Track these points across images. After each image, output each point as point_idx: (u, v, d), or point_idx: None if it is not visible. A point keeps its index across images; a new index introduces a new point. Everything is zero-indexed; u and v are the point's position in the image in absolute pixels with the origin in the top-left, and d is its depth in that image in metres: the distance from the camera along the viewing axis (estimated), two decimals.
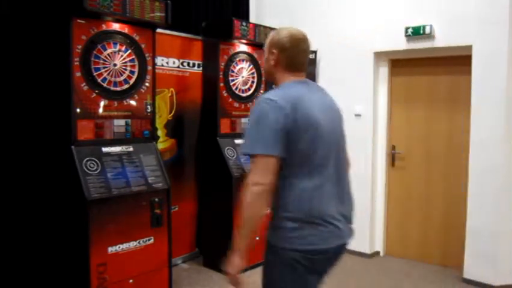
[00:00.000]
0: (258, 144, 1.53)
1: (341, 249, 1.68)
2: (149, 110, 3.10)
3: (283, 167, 1.57)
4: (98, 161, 2.77)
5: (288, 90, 1.64)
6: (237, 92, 3.90)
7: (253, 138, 1.56)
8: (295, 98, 1.59)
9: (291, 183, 1.59)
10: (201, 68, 3.98)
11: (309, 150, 1.57)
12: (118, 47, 2.90)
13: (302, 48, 1.72)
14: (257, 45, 4.02)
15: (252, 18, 4.76)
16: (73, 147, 2.70)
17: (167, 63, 3.76)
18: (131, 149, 2.95)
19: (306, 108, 1.58)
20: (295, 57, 1.71)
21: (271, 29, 4.04)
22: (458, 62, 3.75)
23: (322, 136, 1.60)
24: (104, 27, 2.84)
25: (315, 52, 4.46)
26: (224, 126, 3.81)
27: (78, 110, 2.74)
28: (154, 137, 3.18)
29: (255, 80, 4.05)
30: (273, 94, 1.61)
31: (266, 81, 4.09)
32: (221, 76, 3.76)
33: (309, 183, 1.58)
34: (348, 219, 1.71)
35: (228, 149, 3.76)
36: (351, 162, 1.84)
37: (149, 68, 3.08)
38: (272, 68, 1.75)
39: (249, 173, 1.56)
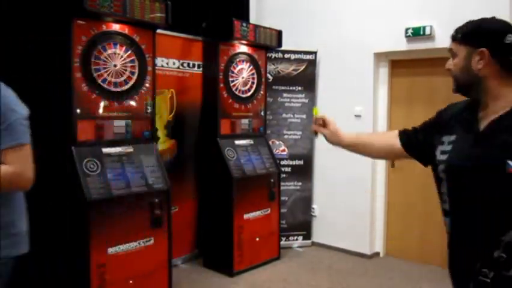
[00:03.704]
0: None
1: None
2: (149, 111, 3.10)
3: None
4: (98, 162, 2.77)
5: None
6: (237, 92, 3.90)
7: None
8: None
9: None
10: (201, 69, 3.98)
11: None
12: (118, 47, 2.90)
13: None
14: (257, 46, 4.02)
15: (252, 19, 4.76)
16: (73, 147, 2.71)
17: (167, 63, 3.76)
18: (131, 149, 2.95)
19: None
20: None
21: (271, 29, 4.05)
22: None
23: None
24: (104, 27, 2.84)
25: (315, 53, 4.46)
26: (224, 127, 3.81)
27: (78, 111, 2.74)
28: (154, 138, 3.18)
29: (255, 80, 4.05)
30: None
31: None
32: (221, 77, 3.76)
33: None
34: None
35: (228, 149, 3.75)
36: None
37: (150, 68, 3.08)
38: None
39: None
